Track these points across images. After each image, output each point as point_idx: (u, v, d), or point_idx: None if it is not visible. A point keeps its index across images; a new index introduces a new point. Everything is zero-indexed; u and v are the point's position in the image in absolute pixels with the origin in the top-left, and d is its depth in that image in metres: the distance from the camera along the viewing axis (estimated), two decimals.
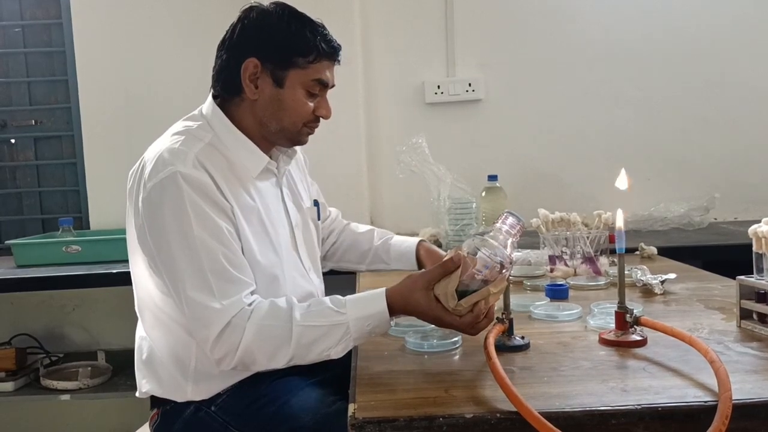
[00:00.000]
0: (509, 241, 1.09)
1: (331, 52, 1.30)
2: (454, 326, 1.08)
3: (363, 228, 1.67)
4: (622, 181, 1.18)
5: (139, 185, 1.21)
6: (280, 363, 1.13)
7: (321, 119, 1.34)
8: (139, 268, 1.28)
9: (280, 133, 1.32)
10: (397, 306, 1.10)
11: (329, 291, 1.33)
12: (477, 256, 1.07)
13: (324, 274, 1.52)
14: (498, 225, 1.10)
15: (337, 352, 1.12)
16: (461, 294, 1.05)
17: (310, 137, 1.37)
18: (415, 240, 1.58)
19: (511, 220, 1.11)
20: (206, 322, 1.12)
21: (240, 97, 1.30)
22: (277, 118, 1.29)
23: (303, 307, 1.13)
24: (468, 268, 1.06)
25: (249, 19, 1.29)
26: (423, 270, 1.13)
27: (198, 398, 1.27)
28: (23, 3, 2.72)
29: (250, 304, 1.13)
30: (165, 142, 1.25)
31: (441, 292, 1.06)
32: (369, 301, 1.12)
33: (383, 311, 1.10)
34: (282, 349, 1.11)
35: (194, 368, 1.25)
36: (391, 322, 1.12)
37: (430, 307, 1.07)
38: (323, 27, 1.30)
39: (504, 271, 1.06)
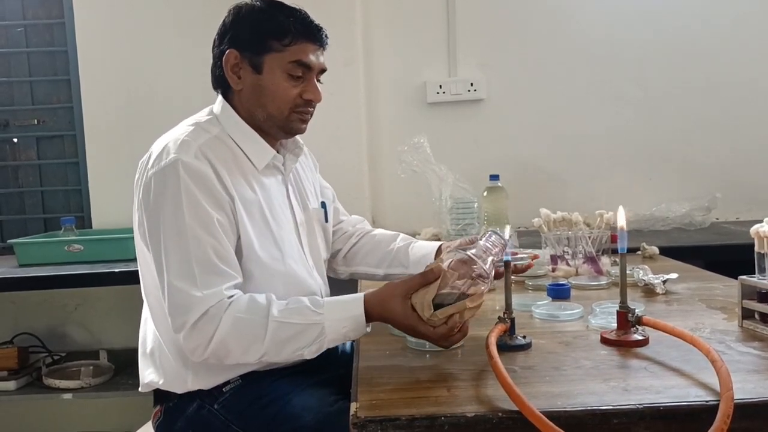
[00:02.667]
0: (490, 259, 1.10)
1: (307, 32, 1.28)
2: (428, 337, 1.08)
3: (388, 232, 1.62)
4: (621, 218, 1.15)
5: (143, 174, 1.22)
6: (252, 358, 1.13)
7: (313, 105, 1.33)
8: (143, 257, 1.29)
9: (269, 121, 1.31)
10: (374, 311, 1.11)
11: (333, 292, 1.33)
12: (457, 270, 1.07)
13: (330, 278, 1.50)
14: (481, 242, 1.13)
15: (310, 352, 1.12)
16: (438, 305, 1.05)
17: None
18: (436, 244, 1.51)
19: (494, 238, 1.14)
20: (184, 309, 1.12)
21: (231, 91, 1.32)
22: (262, 104, 1.29)
23: (281, 304, 1.14)
24: (447, 280, 1.06)
25: (228, 16, 1.31)
26: (403, 278, 1.13)
27: (197, 388, 1.26)
28: (25, 2, 2.72)
29: (230, 297, 1.14)
30: (173, 133, 1.26)
31: (418, 301, 1.07)
32: (347, 304, 1.13)
33: (360, 315, 1.11)
34: (255, 343, 1.11)
35: None
36: (367, 328, 1.13)
37: (405, 315, 1.08)
38: (301, 11, 1.29)
39: (482, 287, 1.07)
